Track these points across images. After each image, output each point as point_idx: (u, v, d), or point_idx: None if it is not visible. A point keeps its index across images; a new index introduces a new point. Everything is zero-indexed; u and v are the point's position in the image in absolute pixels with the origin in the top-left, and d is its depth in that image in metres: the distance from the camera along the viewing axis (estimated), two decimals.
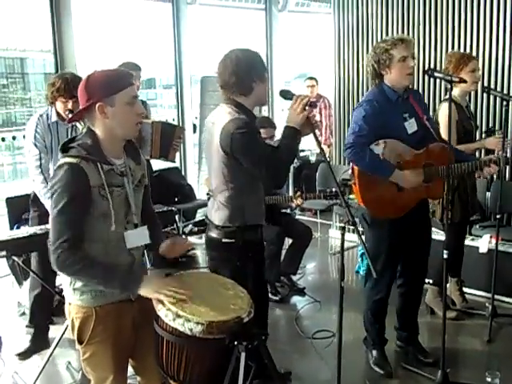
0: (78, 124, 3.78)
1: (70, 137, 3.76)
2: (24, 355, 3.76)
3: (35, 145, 3.72)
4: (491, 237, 4.42)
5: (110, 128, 2.13)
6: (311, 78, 7.62)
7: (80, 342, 2.23)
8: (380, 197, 3.28)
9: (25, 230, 3.39)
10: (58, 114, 3.79)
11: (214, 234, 2.89)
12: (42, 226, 3.37)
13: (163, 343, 2.20)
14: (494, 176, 4.30)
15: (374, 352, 3.57)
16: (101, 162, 2.11)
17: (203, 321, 2.08)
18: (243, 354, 2.18)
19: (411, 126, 3.26)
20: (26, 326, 3.98)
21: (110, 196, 2.12)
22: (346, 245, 2.53)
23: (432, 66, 5.29)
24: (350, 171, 3.37)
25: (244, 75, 2.73)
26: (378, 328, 3.57)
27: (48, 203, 2.96)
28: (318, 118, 7.47)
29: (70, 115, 3.20)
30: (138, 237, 2.25)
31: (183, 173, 7.25)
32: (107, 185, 2.12)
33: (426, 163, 3.29)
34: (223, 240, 2.85)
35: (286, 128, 2.65)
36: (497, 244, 4.03)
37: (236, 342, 2.16)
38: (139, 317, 2.29)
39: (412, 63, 3.18)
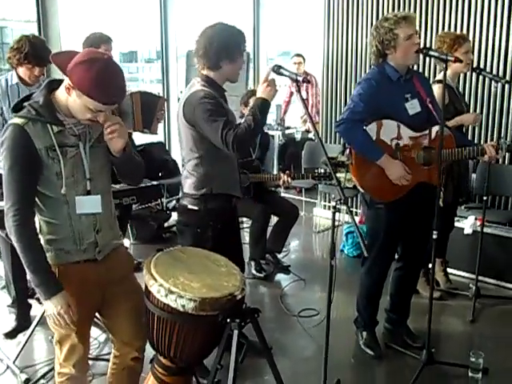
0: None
1: None
2: (10, 334, 3.70)
3: None
4: (476, 218, 4.45)
5: (67, 100, 2.06)
6: (298, 55, 7.60)
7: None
8: (376, 178, 3.18)
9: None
10: (19, 77, 3.64)
11: (183, 200, 3.02)
12: None
13: (154, 319, 2.18)
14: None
15: (365, 333, 3.55)
16: (50, 123, 2.06)
17: (196, 297, 2.06)
18: (236, 332, 2.16)
19: (413, 106, 3.18)
20: (8, 306, 3.91)
21: (61, 157, 2.07)
22: (331, 223, 2.51)
23: (422, 46, 5.23)
24: (347, 151, 3.26)
25: (212, 53, 2.82)
26: (371, 311, 3.54)
27: None
28: (304, 95, 7.43)
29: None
30: (87, 204, 2.17)
31: (167, 148, 7.17)
32: (58, 145, 2.07)
33: (426, 146, 3.20)
34: (189, 206, 2.96)
35: (260, 100, 2.69)
36: (482, 226, 4.06)
37: (229, 320, 2.15)
38: (106, 277, 2.25)
39: (417, 40, 3.10)
